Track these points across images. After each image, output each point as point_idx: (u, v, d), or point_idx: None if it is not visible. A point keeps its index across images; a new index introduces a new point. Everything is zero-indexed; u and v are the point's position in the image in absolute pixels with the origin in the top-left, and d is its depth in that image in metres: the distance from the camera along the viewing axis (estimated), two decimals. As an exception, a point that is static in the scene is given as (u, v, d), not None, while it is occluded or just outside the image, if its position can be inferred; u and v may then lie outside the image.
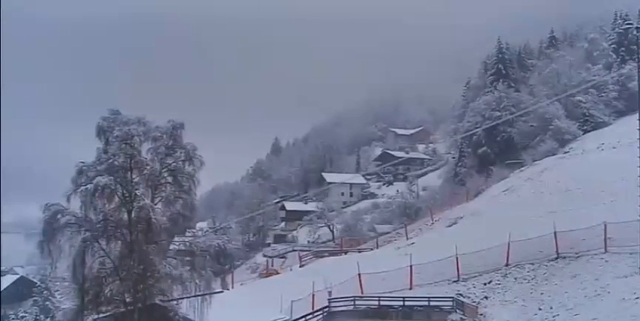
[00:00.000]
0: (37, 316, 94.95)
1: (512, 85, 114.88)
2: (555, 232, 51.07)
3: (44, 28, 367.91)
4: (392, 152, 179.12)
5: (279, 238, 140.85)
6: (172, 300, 35.45)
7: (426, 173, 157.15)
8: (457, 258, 53.12)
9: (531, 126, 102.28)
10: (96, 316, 34.40)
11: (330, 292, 52.33)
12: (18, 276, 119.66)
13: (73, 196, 33.32)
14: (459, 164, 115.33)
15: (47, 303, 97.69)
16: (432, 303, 49.62)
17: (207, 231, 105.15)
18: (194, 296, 35.05)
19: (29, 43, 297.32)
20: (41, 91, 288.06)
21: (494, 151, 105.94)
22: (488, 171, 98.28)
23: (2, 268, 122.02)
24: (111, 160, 33.74)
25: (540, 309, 45.37)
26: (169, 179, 35.70)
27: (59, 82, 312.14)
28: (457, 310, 48.73)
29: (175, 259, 35.76)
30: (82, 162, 34.39)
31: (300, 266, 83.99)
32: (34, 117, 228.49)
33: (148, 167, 34.54)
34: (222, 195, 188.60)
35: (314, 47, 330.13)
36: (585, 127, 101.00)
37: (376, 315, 50.05)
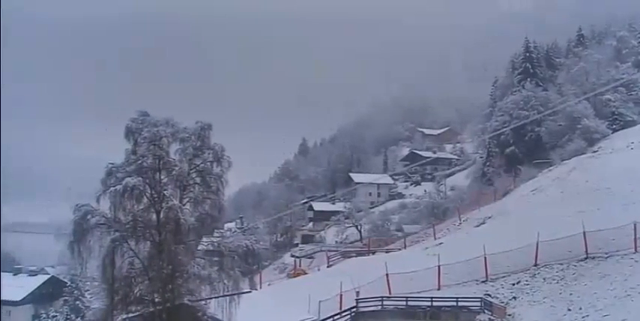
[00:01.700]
0: (67, 315, 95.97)
1: (540, 84, 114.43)
2: (584, 232, 50.76)
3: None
4: (419, 152, 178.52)
5: (307, 239, 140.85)
6: (201, 300, 35.63)
7: (453, 173, 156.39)
8: (485, 258, 52.97)
9: (559, 125, 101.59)
10: (125, 316, 34.66)
11: (357, 293, 52.37)
12: (49, 276, 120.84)
13: (102, 197, 33.61)
14: (487, 164, 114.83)
15: (77, 302, 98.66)
16: (460, 303, 49.54)
17: (236, 231, 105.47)
18: (222, 296, 35.21)
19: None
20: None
21: (522, 150, 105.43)
22: (516, 170, 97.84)
23: (34, 267, 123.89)
24: (140, 161, 33.98)
25: (569, 309, 45.12)
26: (197, 180, 35.85)
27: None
28: (485, 311, 48.58)
29: (204, 259, 35.94)
30: (112, 163, 34.70)
31: (327, 266, 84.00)
32: (60, 118, 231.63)
33: (177, 168, 34.74)
34: (250, 195, 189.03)
35: (333, 48, 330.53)
36: (614, 126, 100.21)
37: (404, 315, 50.04)
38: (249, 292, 40.58)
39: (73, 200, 35.03)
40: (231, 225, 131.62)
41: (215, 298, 35.31)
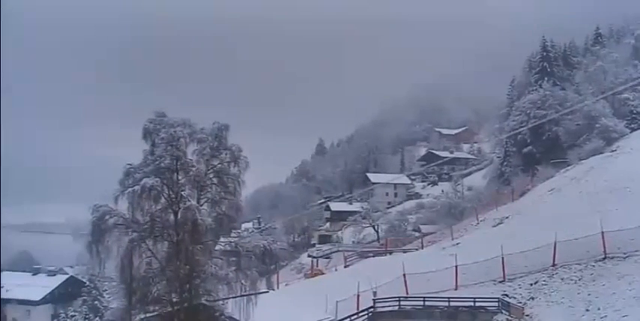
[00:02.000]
0: (86, 314, 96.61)
1: (558, 83, 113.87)
2: (603, 232, 50.37)
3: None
4: (436, 152, 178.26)
5: (324, 239, 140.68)
6: (218, 300, 35.83)
7: (470, 173, 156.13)
8: (503, 258, 52.76)
9: (577, 124, 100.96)
10: (143, 316, 34.91)
11: (375, 293, 52.37)
12: (68, 276, 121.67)
13: (120, 198, 33.88)
14: (504, 164, 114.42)
15: (96, 302, 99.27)
16: (477, 303, 49.39)
17: (253, 231, 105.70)
18: (240, 296, 35.40)
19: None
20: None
21: (540, 150, 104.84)
22: (534, 170, 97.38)
23: (52, 267, 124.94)
24: (157, 162, 34.20)
25: (588, 310, 44.80)
26: (215, 180, 36.08)
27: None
28: (503, 311, 48.40)
29: (221, 259, 36.15)
30: (130, 164, 34.94)
31: (345, 266, 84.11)
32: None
33: (194, 169, 34.95)
34: (268, 196, 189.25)
35: (350, 49, 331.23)
36: (633, 125, 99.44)
37: (421, 315, 49.98)
38: (267, 292, 40.73)
39: (88, 200, 35.36)
40: (249, 225, 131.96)
41: (233, 298, 35.52)
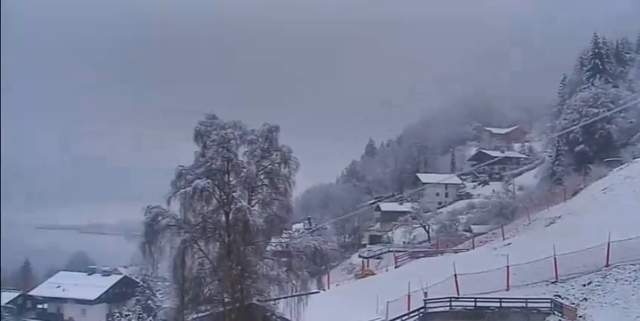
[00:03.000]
0: (139, 314, 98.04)
1: (610, 80, 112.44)
2: (658, 232, 49.65)
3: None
4: (487, 151, 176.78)
5: (375, 239, 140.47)
6: (269, 300, 36.13)
7: (522, 172, 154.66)
8: (555, 258, 52.18)
9: (630, 122, 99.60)
10: (195, 315, 35.39)
11: (425, 293, 52.19)
12: (122, 276, 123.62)
13: (172, 199, 34.37)
14: (556, 163, 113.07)
15: (149, 302, 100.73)
16: (529, 304, 48.95)
17: (304, 232, 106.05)
18: (291, 296, 35.64)
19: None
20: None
21: (592, 148, 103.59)
22: (586, 169, 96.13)
23: (107, 268, 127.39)
24: (209, 164, 34.65)
25: (643, 311, 44.21)
26: (265, 181, 36.38)
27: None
28: (555, 312, 47.92)
29: (272, 259, 36.41)
30: (181, 166, 35.43)
31: (395, 267, 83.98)
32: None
33: (245, 170, 35.29)
34: (318, 196, 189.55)
35: (404, 47, 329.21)
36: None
37: (472, 316, 49.68)
38: (318, 292, 40.92)
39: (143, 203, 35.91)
40: (299, 226, 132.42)
41: (284, 298, 35.77)
